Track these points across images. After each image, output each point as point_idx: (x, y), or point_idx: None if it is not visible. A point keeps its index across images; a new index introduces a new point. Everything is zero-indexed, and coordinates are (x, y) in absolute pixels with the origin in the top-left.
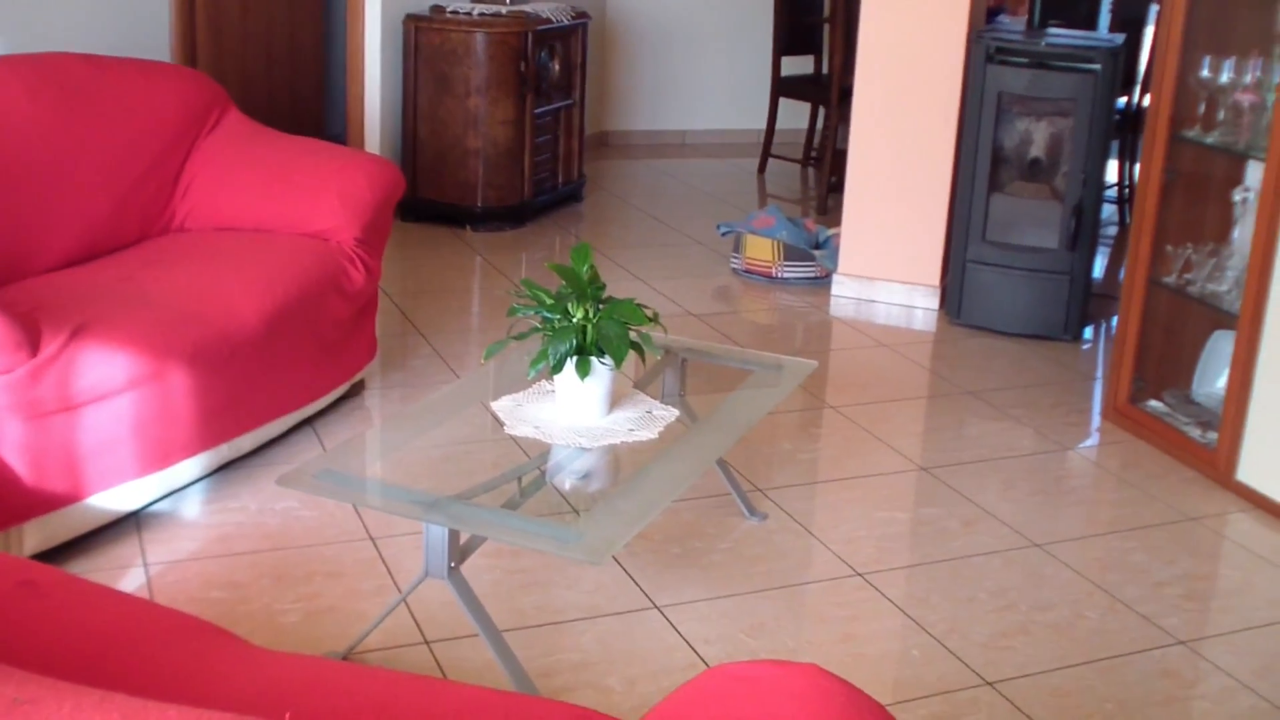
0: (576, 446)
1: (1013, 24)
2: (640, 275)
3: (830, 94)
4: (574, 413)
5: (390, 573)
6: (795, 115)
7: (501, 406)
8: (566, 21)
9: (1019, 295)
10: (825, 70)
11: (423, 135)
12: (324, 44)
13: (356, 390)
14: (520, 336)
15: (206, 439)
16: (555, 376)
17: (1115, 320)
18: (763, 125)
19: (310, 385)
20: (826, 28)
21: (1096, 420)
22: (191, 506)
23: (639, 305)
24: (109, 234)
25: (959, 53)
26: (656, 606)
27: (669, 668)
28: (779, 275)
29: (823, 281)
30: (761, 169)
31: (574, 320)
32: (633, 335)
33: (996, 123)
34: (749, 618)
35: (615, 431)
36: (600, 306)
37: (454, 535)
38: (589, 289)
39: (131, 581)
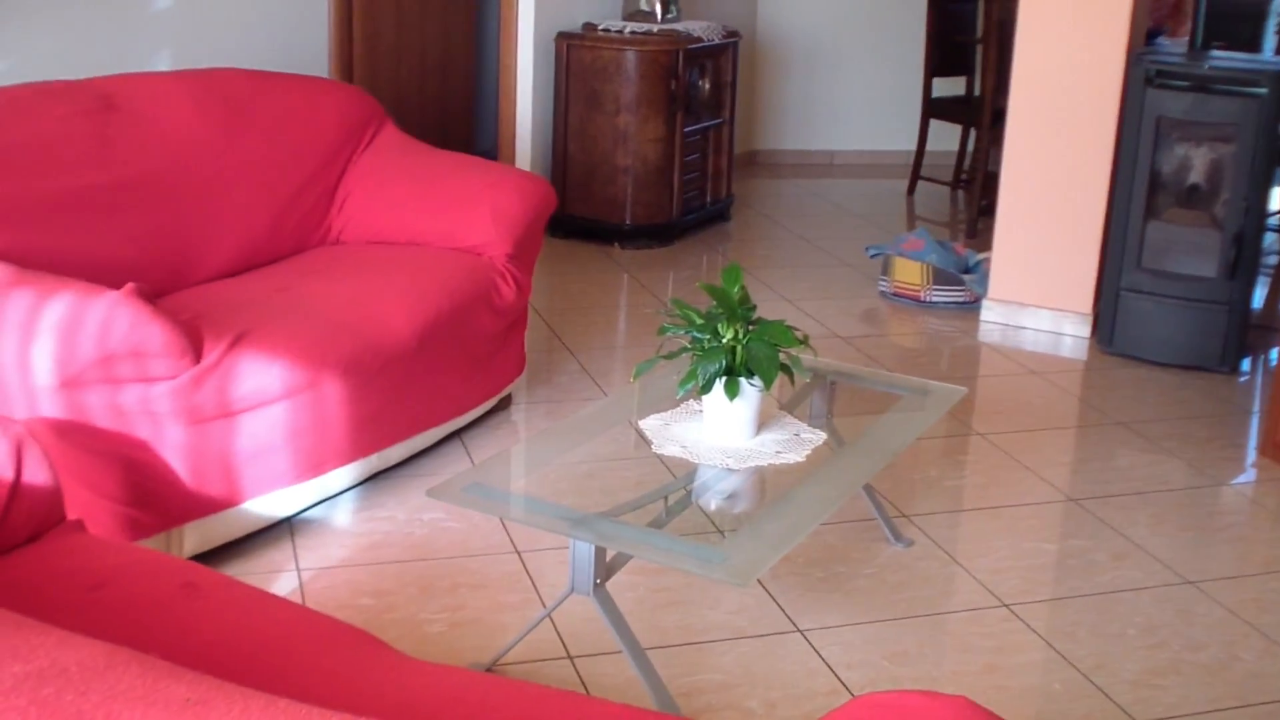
0: (723, 467)
1: (1173, 45)
2: (787, 295)
3: (982, 115)
4: (721, 433)
5: (535, 586)
6: (945, 137)
7: (649, 425)
8: (717, 40)
9: (1174, 324)
10: (977, 91)
11: (572, 152)
12: (475, 60)
13: (504, 405)
14: (670, 356)
15: (358, 448)
16: (703, 397)
17: (1275, 352)
18: (911, 147)
19: (459, 398)
20: (979, 48)
21: (1252, 456)
22: (342, 514)
23: (789, 327)
24: (267, 245)
25: (1117, 75)
26: (799, 630)
27: (811, 692)
28: (927, 299)
29: (971, 306)
30: (910, 190)
31: (724, 341)
32: (781, 357)
33: (1155, 147)
34: (892, 644)
35: (762, 453)
36: (750, 327)
37: (600, 552)
38: (739, 309)
39: (284, 585)
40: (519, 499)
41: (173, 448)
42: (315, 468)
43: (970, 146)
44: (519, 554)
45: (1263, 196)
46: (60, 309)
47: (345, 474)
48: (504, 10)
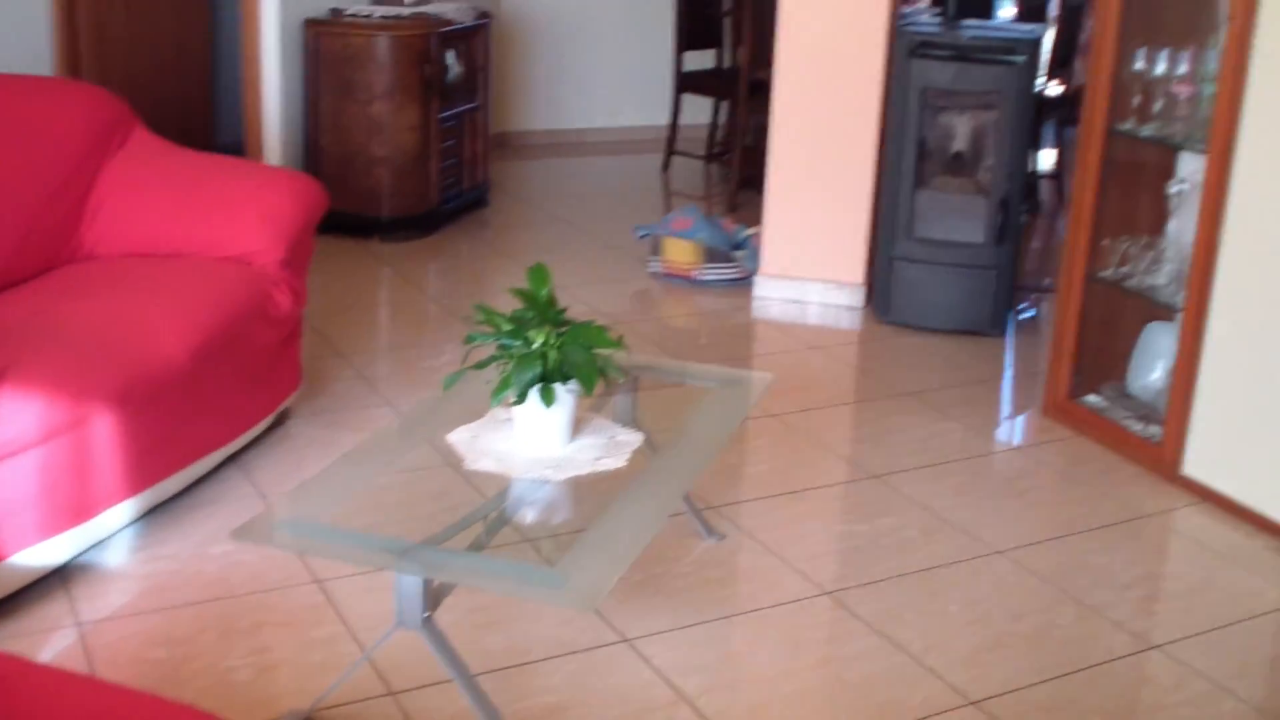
0: (542, 479)
1: (913, 12)
2: (556, 282)
3: (737, 88)
4: (535, 443)
5: (342, 618)
6: (696, 110)
7: (457, 439)
8: (469, 22)
9: (946, 291)
10: (727, 64)
11: (325, 144)
12: (212, 51)
13: (280, 420)
14: (481, 365)
15: (133, 484)
16: (514, 406)
17: (1031, 313)
18: (660, 121)
19: (237, 419)
20: (727, 21)
21: (1036, 418)
22: (120, 557)
23: (601, 327)
24: (13, 265)
25: (880, 45)
26: (626, 640)
27: (650, 705)
28: (699, 277)
29: (744, 282)
30: (665, 166)
31: (535, 346)
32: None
33: (921, 117)
34: (722, 645)
35: (581, 461)
36: (561, 331)
37: (428, 584)
38: (550, 313)
39: (63, 641)
40: (334, 533)
41: None
42: (87, 510)
43: (722, 119)
44: (319, 584)
45: (1023, 162)
46: None
47: (119, 512)
48: None
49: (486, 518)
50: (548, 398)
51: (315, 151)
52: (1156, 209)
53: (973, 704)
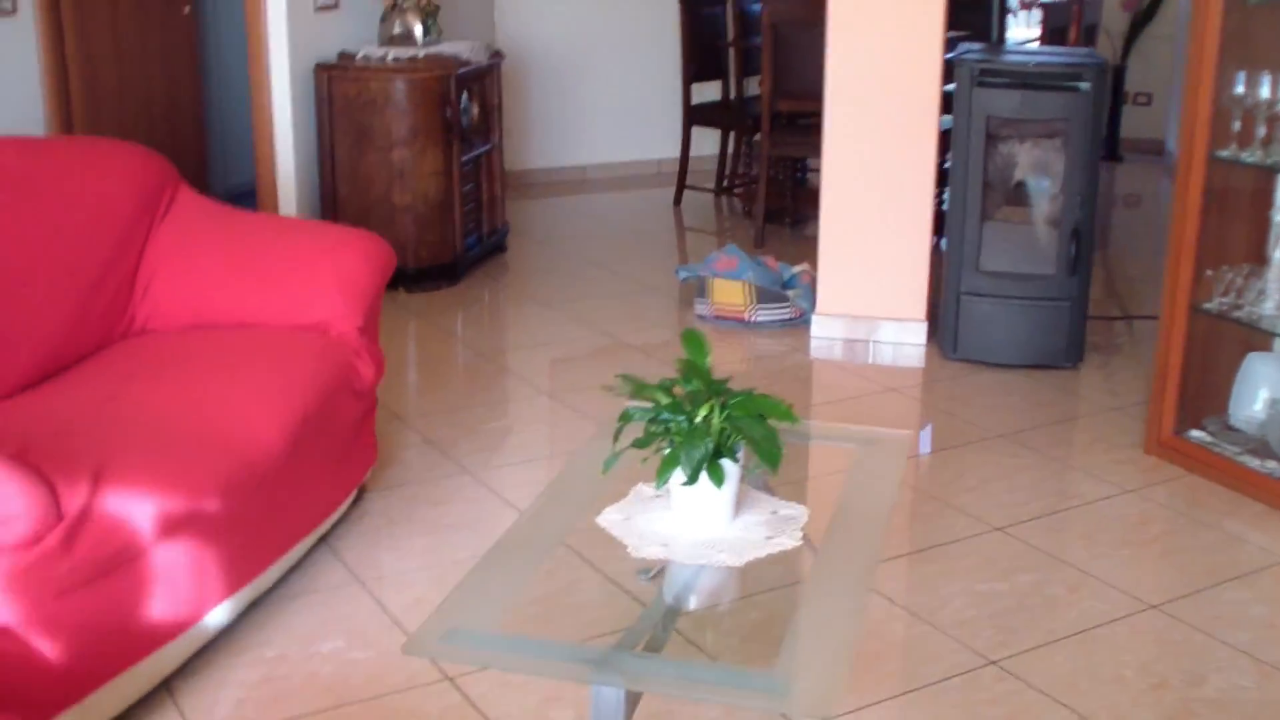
0: (721, 565)
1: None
2: (603, 328)
3: (746, 119)
4: (698, 524)
5: (487, 716)
6: (701, 143)
7: (608, 522)
8: (484, 61)
9: (1017, 325)
10: (733, 95)
11: (343, 193)
12: (204, 98)
13: (358, 496)
14: (642, 443)
15: (235, 580)
16: (681, 486)
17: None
18: (663, 155)
19: (326, 500)
20: (730, 51)
21: (1139, 455)
22: (225, 661)
23: (770, 397)
24: (66, 345)
25: (935, 73)
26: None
27: None
28: (752, 319)
29: (796, 323)
30: (678, 200)
31: (698, 420)
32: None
33: (985, 147)
34: None
35: (753, 541)
36: (724, 402)
37: (631, 697)
38: (716, 385)
39: None
40: (513, 643)
41: (36, 629)
42: (192, 616)
43: (729, 150)
44: (451, 681)
45: (1095, 189)
46: None
47: (221, 611)
48: (251, 42)
49: (663, 616)
50: (717, 477)
51: (333, 201)
52: (1255, 237)
53: None
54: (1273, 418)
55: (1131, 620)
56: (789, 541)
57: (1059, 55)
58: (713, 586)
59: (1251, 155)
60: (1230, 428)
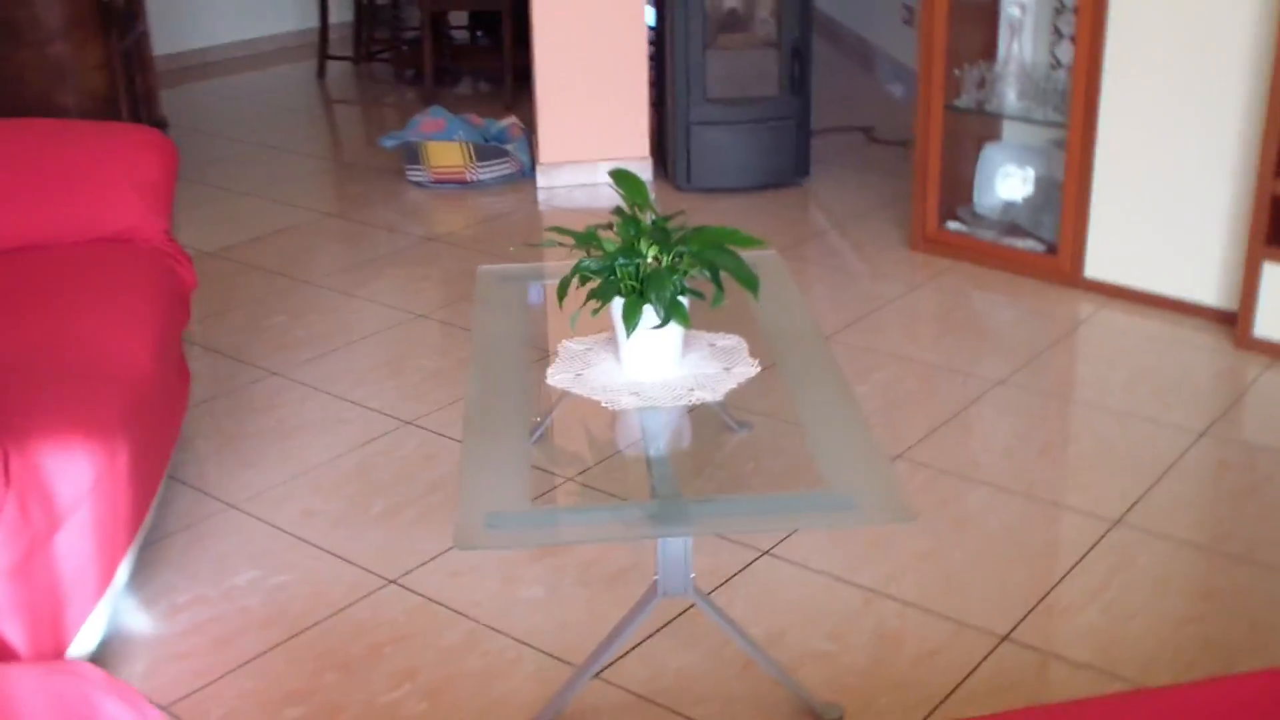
0: (700, 402)
1: None
2: (320, 208)
3: None
4: (653, 367)
5: (460, 613)
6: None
7: (561, 381)
8: None
9: (748, 149)
10: None
11: None
12: None
13: None
14: (601, 293)
15: (134, 525)
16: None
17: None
18: (276, 30)
19: (174, 424)
20: None
21: (906, 252)
22: (139, 622)
23: (723, 228)
24: None
25: None
26: (766, 552)
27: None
28: (473, 178)
29: (516, 177)
30: (321, 74)
31: (645, 258)
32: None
33: None
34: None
35: (715, 375)
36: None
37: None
38: (660, 222)
39: None
40: (562, 514)
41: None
42: (108, 573)
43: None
44: (396, 584)
45: (810, 11)
46: None
47: (127, 564)
48: None
49: (649, 462)
50: (682, 316)
51: None
52: (986, 37)
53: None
54: (1025, 198)
55: (989, 397)
56: (749, 369)
57: None
58: (692, 425)
59: None
60: (977, 215)
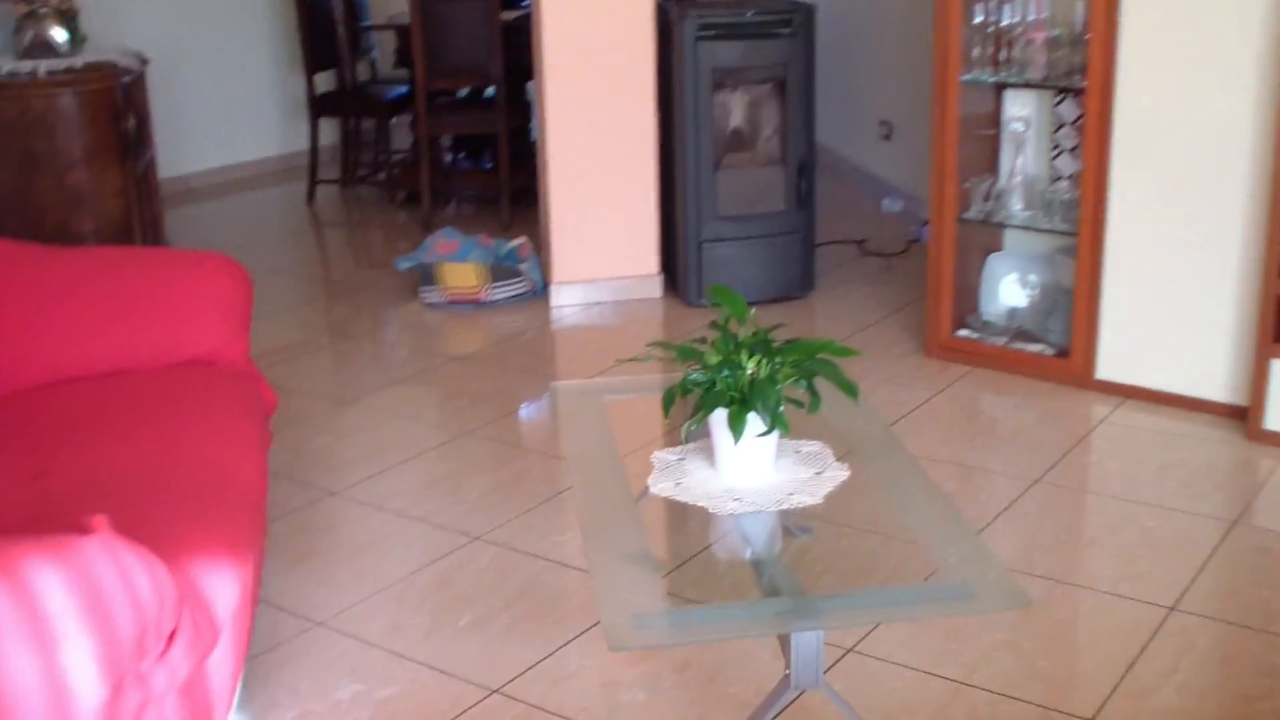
0: (800, 506)
1: None
2: (341, 330)
3: (376, 105)
4: (748, 473)
5: (570, 718)
6: (303, 136)
7: (664, 489)
8: (138, 69)
9: (757, 263)
10: (349, 82)
11: (10, 230)
12: None
13: None
14: (707, 404)
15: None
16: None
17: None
18: (268, 153)
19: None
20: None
21: (922, 360)
22: None
23: (813, 339)
24: None
25: (650, 32)
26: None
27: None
28: (487, 298)
29: (528, 296)
30: (311, 198)
31: (759, 372)
32: None
33: (713, 99)
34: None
35: (809, 480)
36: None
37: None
38: (761, 335)
39: None
40: (700, 613)
41: None
42: (231, 690)
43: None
44: (499, 693)
45: (813, 127)
46: (50, 585)
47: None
48: None
49: (759, 570)
50: (783, 425)
51: None
52: (986, 150)
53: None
54: (1030, 304)
55: (1030, 495)
56: (840, 473)
57: (767, 5)
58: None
59: (994, 75)
60: (986, 322)
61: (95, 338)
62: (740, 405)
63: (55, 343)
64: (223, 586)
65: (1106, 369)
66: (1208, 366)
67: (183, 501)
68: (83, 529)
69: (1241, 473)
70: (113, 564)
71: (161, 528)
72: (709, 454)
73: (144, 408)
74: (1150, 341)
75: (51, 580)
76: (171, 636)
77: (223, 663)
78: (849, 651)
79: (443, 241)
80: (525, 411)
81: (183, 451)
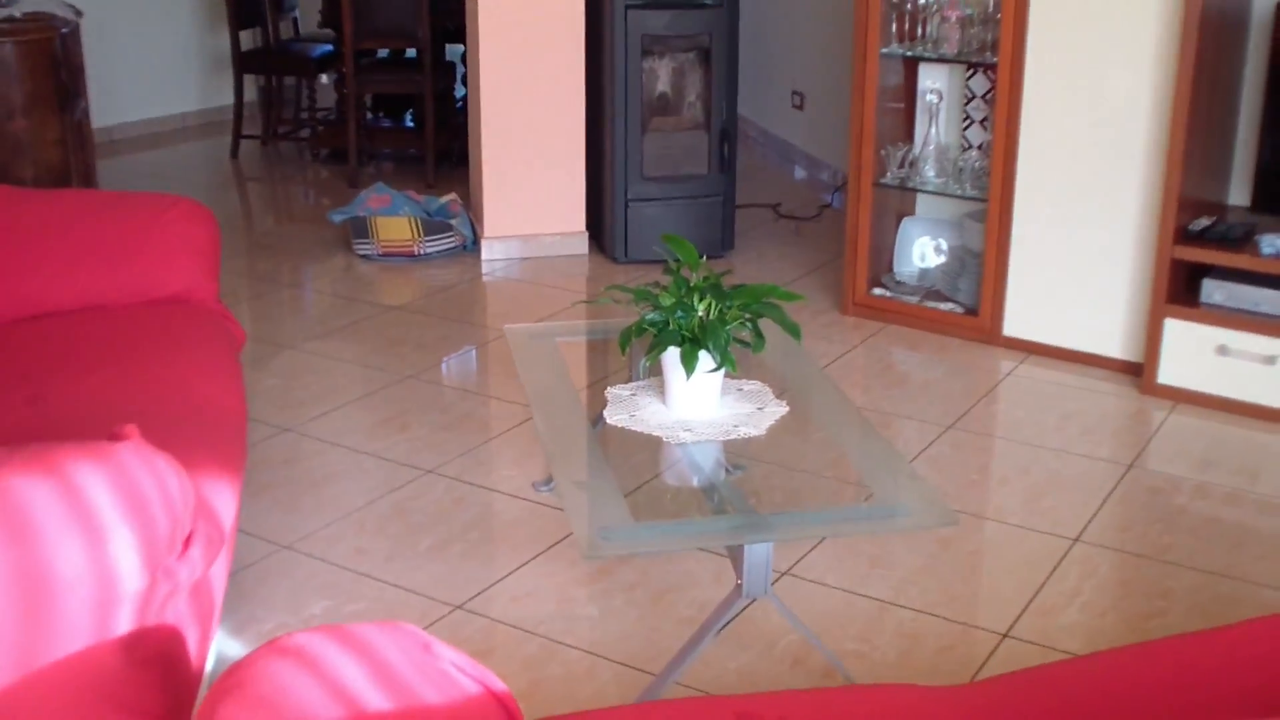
0: (746, 436)
1: None
2: (278, 279)
3: (302, 63)
4: (697, 407)
5: (530, 630)
6: (224, 92)
7: (620, 421)
8: (74, 19)
9: (681, 223)
10: (273, 40)
11: None
12: None
13: None
14: (662, 344)
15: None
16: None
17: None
18: (184, 109)
19: None
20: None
21: (838, 317)
22: (236, 647)
23: (759, 284)
24: None
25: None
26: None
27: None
28: (421, 252)
29: (458, 250)
30: (235, 153)
31: (711, 314)
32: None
33: (640, 65)
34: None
35: (752, 413)
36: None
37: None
38: (712, 279)
39: None
40: (661, 527)
41: (186, 627)
42: (216, 602)
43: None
44: (461, 608)
45: (735, 95)
46: (88, 483)
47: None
48: None
49: (715, 489)
50: (731, 363)
51: None
52: (907, 119)
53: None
54: (941, 265)
55: (945, 438)
56: (780, 409)
57: None
58: (737, 455)
59: (910, 50)
60: (900, 282)
61: (77, 274)
62: (692, 344)
63: (40, 278)
64: (222, 499)
65: (1013, 326)
66: (1106, 325)
67: (178, 424)
68: (115, 436)
69: (1136, 422)
70: (146, 466)
71: (161, 447)
72: (658, 390)
73: (128, 339)
74: (1053, 301)
75: (95, 479)
76: (188, 540)
77: (219, 571)
78: (784, 574)
79: (375, 196)
80: (456, 359)
81: (169, 378)
